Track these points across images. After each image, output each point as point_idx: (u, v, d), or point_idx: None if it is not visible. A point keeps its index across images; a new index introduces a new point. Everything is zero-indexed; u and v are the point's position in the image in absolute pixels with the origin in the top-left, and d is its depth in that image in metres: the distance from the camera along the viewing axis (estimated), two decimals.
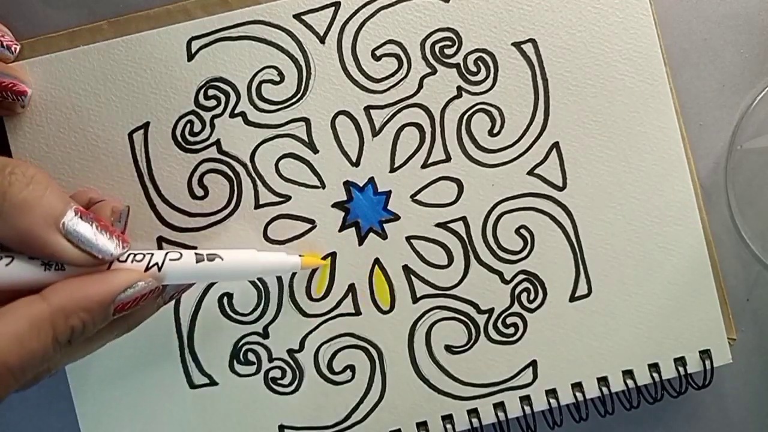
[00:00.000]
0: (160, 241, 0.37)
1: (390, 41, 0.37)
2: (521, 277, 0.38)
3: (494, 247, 0.38)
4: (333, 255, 0.38)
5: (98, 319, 0.30)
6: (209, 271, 0.33)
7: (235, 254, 0.34)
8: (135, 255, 0.32)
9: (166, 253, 0.32)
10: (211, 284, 0.38)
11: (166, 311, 0.37)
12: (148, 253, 0.32)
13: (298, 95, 0.37)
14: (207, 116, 0.37)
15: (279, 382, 0.38)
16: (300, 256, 0.36)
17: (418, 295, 0.38)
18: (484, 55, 0.38)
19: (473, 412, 0.38)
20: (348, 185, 0.38)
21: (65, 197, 0.30)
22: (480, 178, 0.38)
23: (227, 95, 0.37)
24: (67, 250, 0.29)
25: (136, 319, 0.33)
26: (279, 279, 0.38)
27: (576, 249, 0.38)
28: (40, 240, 0.29)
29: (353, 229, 0.38)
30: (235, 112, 0.37)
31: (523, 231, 0.38)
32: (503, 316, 0.38)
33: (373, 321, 0.38)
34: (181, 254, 0.32)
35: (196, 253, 0.33)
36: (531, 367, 0.38)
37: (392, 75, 0.38)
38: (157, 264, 0.32)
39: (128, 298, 0.30)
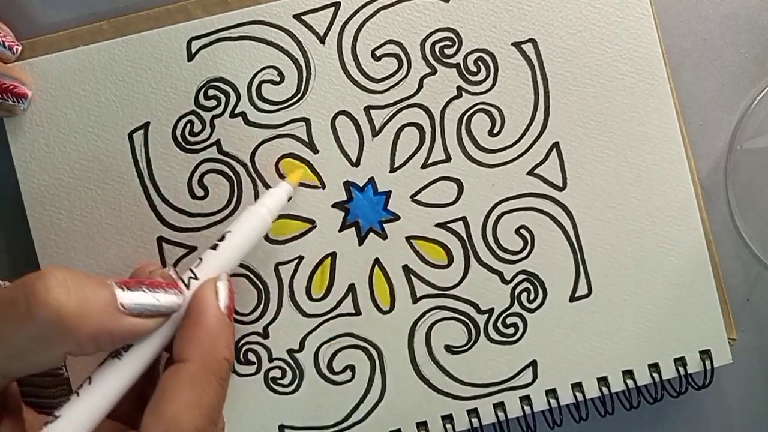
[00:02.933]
0: (160, 241, 0.37)
1: (390, 41, 0.37)
2: (521, 277, 0.38)
3: (494, 247, 0.38)
4: (333, 255, 0.38)
5: (231, 336, 0.30)
6: (233, 250, 0.33)
7: (241, 224, 0.33)
8: (187, 279, 0.31)
9: (200, 258, 0.32)
10: None
11: None
12: (189, 275, 0.32)
13: (298, 95, 0.37)
14: (207, 116, 0.37)
15: (279, 382, 0.38)
16: (284, 180, 0.36)
17: (418, 295, 0.38)
18: (484, 55, 0.38)
19: (473, 412, 0.38)
20: (348, 185, 0.38)
21: (101, 279, 0.28)
22: (480, 178, 0.38)
23: (227, 95, 0.37)
24: (141, 325, 0.28)
25: None
26: (279, 279, 0.38)
27: (576, 249, 0.38)
28: (114, 333, 0.28)
29: (353, 229, 0.38)
30: (236, 112, 0.37)
31: (523, 231, 0.38)
32: (503, 316, 0.38)
33: (373, 321, 0.38)
34: (201, 258, 0.32)
35: (210, 247, 0.33)
36: (531, 367, 0.38)
37: (392, 75, 0.38)
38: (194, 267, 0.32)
39: (227, 299, 0.31)
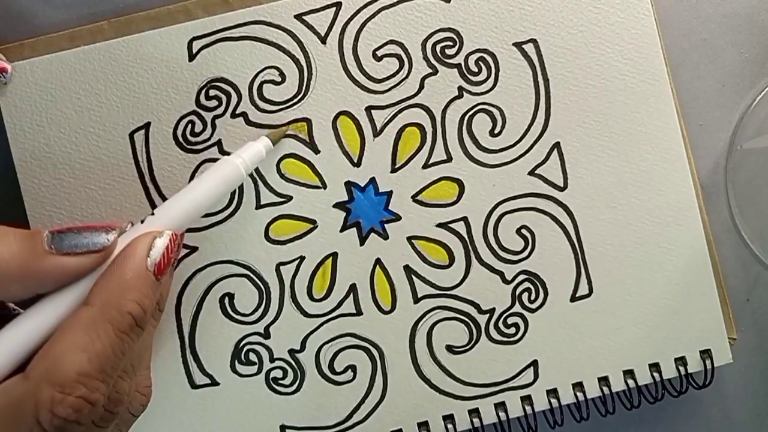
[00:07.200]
0: None
1: (391, 41, 0.37)
2: (522, 277, 0.38)
3: (495, 247, 0.38)
4: (334, 255, 0.38)
5: (147, 293, 0.29)
6: (198, 196, 0.32)
7: (212, 171, 0.33)
8: (131, 224, 0.31)
9: (153, 208, 0.31)
10: (212, 284, 0.38)
11: (167, 311, 0.37)
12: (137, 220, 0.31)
13: (300, 95, 0.37)
14: (208, 116, 0.37)
15: (280, 382, 0.38)
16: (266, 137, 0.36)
17: (419, 296, 0.38)
18: (485, 56, 0.38)
19: (474, 412, 0.38)
20: (349, 185, 0.38)
21: (32, 231, 0.29)
22: (481, 179, 0.38)
23: (228, 95, 0.37)
24: (69, 262, 0.28)
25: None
26: (280, 279, 0.38)
27: (577, 249, 0.38)
28: (39, 268, 0.28)
29: (354, 229, 0.38)
30: (237, 112, 0.37)
31: (524, 231, 0.38)
32: (504, 316, 0.38)
33: (374, 321, 0.38)
34: (156, 206, 0.32)
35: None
36: (532, 367, 0.38)
37: (393, 75, 0.37)
38: (151, 212, 0.31)
39: (159, 257, 0.29)
